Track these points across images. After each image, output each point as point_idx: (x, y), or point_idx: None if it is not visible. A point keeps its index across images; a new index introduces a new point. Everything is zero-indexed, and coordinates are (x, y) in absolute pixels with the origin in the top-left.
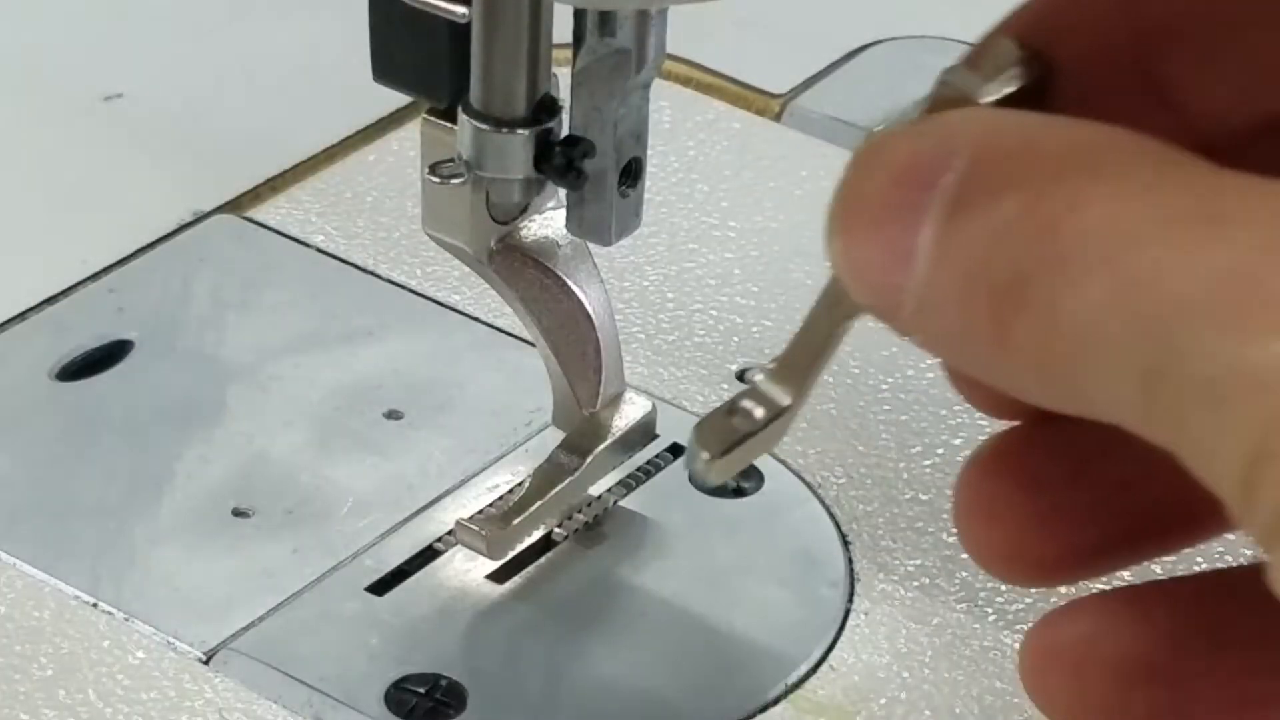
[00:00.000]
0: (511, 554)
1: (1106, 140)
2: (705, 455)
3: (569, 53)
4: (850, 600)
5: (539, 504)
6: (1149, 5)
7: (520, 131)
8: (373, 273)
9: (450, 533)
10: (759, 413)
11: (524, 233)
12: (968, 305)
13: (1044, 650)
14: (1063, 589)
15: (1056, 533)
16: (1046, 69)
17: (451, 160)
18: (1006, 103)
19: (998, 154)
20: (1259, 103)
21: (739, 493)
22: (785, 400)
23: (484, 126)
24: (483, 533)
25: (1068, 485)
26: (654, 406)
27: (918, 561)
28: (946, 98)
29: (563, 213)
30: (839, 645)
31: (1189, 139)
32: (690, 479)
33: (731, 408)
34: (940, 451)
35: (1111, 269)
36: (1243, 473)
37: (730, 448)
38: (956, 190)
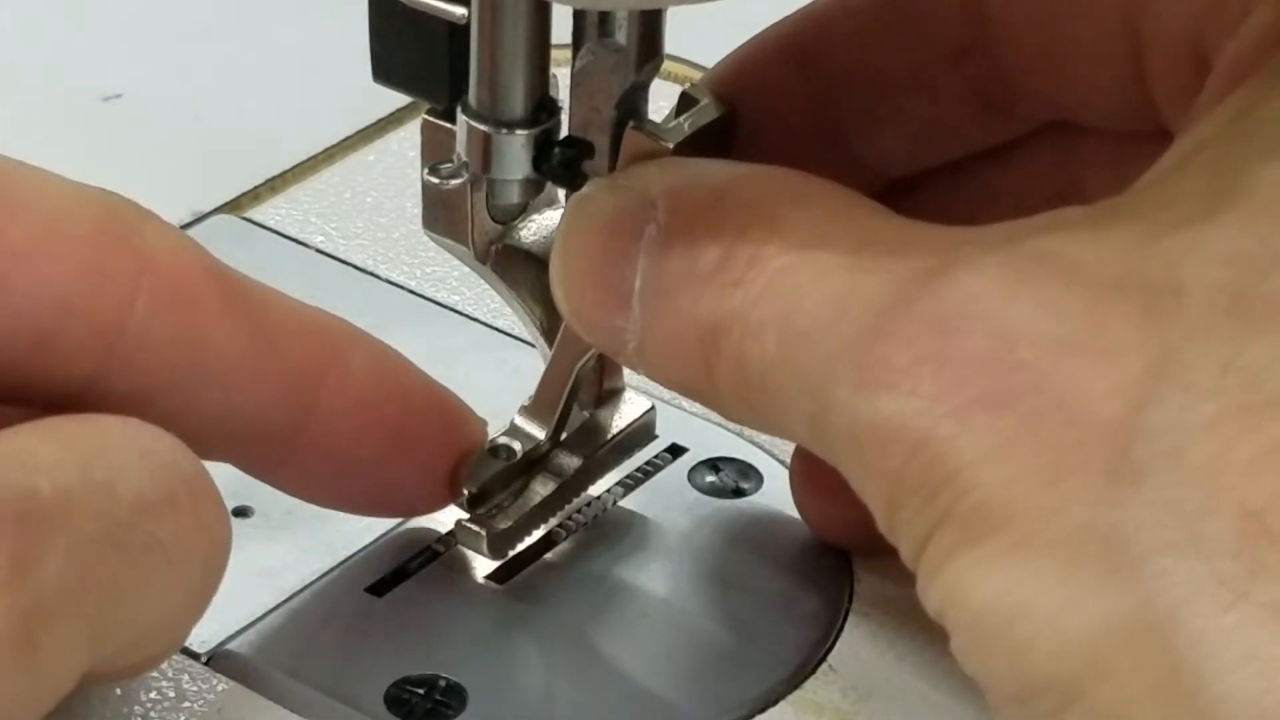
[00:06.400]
0: (511, 554)
1: (783, 189)
2: (466, 491)
3: (568, 53)
4: (850, 600)
5: (539, 504)
6: (822, 67)
7: (520, 132)
8: (372, 273)
9: (450, 533)
10: (516, 447)
11: (524, 233)
12: (679, 348)
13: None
14: None
15: None
16: (731, 112)
17: (451, 160)
18: (695, 141)
19: (691, 206)
20: (921, 155)
21: (739, 493)
22: (540, 435)
23: (483, 127)
24: (482, 533)
25: None
26: (654, 406)
27: None
28: (639, 145)
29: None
30: (839, 645)
31: (865, 181)
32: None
33: (493, 446)
34: None
35: (780, 324)
36: (884, 512)
37: (492, 480)
38: (660, 241)
